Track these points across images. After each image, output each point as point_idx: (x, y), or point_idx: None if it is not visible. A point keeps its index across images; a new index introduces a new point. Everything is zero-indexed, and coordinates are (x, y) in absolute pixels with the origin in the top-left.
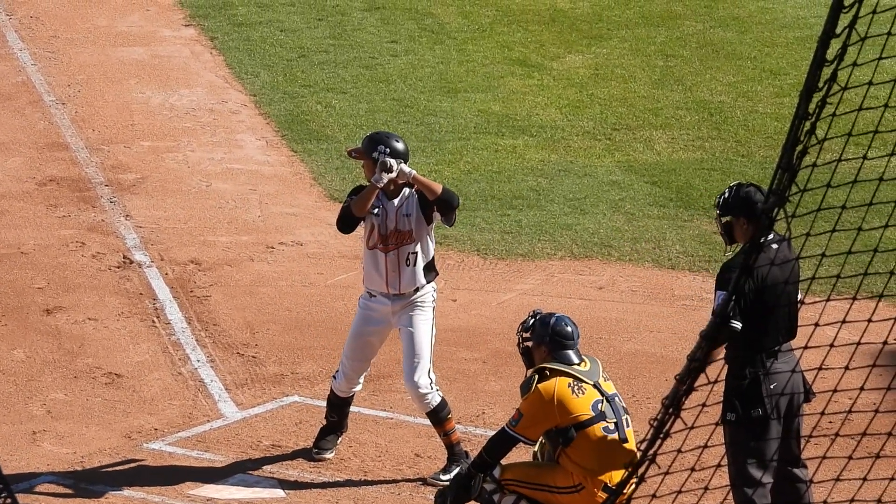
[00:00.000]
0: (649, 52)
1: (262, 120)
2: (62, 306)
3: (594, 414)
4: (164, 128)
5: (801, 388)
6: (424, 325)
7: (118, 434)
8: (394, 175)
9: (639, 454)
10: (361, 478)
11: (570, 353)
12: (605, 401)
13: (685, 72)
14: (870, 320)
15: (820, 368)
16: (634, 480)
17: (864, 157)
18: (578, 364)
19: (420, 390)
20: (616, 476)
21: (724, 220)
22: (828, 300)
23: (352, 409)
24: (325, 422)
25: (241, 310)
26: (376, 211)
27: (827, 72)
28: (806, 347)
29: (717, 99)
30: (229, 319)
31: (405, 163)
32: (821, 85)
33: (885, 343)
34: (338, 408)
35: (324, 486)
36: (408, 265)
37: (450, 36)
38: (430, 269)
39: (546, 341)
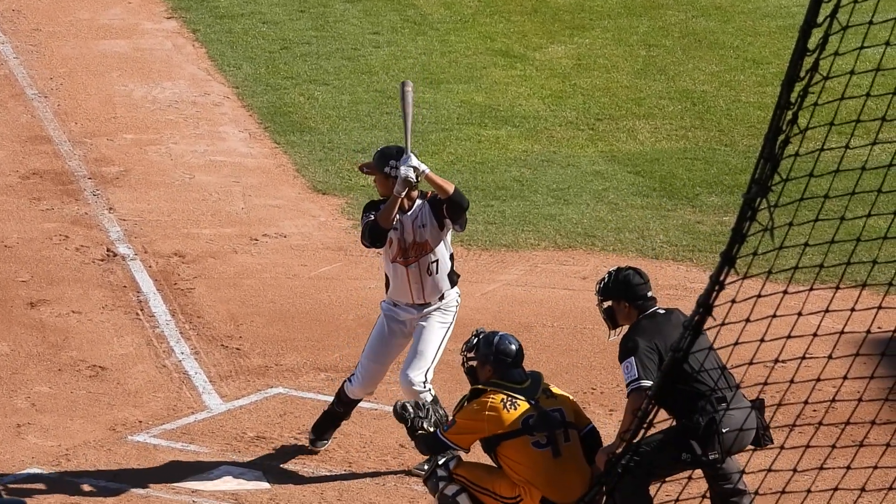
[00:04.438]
0: (632, 42)
1: (244, 112)
2: (46, 299)
3: (521, 427)
4: (147, 120)
5: (752, 425)
6: (439, 327)
7: (103, 426)
8: (419, 179)
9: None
10: (346, 469)
11: (514, 371)
12: (537, 416)
13: (668, 61)
14: (853, 309)
15: (803, 357)
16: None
17: (847, 146)
18: (521, 382)
19: (413, 387)
20: (558, 492)
21: (605, 304)
22: (811, 289)
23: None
24: (328, 409)
25: (224, 302)
26: (394, 225)
27: (809, 61)
28: (789, 337)
29: (700, 88)
30: (213, 311)
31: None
32: (802, 74)
33: (868, 332)
34: (345, 405)
35: (308, 477)
36: (430, 274)
37: (432, 27)
38: (452, 274)
39: (490, 360)
